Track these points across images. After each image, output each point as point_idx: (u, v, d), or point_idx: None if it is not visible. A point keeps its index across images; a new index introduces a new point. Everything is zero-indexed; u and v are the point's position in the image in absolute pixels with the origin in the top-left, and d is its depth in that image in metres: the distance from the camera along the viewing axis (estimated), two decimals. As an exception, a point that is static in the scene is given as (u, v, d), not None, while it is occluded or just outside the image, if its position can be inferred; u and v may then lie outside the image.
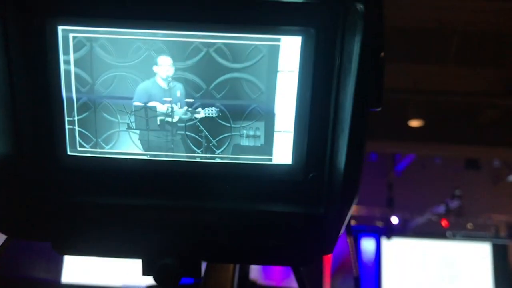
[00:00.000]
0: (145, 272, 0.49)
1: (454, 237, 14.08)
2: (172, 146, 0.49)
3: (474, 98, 7.88)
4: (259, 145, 0.49)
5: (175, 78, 0.48)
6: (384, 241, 14.31)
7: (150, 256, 0.49)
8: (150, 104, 0.49)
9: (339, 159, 0.46)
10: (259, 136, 0.49)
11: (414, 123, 8.11)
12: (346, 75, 0.46)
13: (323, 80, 0.47)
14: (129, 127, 0.49)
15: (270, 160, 0.49)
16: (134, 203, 0.48)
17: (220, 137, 0.49)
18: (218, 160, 0.49)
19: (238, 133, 0.49)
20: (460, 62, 7.71)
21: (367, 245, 14.63)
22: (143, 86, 0.48)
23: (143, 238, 0.49)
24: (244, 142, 0.49)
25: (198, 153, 0.49)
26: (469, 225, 13.79)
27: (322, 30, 0.46)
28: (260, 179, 0.49)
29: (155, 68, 0.48)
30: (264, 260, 0.50)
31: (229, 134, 0.49)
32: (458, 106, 8.32)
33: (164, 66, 0.47)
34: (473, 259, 14.27)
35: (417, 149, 10.14)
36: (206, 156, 0.49)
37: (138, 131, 0.49)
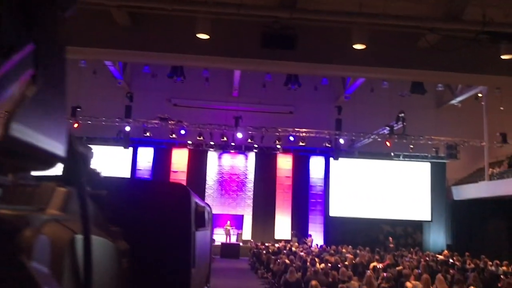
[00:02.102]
0: None
1: (397, 157, 14.88)
2: None
3: (415, 22, 7.97)
4: None
5: None
6: (332, 161, 15.01)
7: None
8: None
9: None
10: None
11: (358, 46, 8.21)
12: None
13: None
14: None
15: None
16: None
17: None
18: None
19: None
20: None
21: (316, 165, 15.32)
22: None
23: None
24: None
25: None
26: (411, 146, 14.56)
27: None
28: None
29: None
30: None
31: None
32: (400, 29, 8.42)
33: None
34: (414, 177, 15.30)
35: (361, 73, 10.33)
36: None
37: None
